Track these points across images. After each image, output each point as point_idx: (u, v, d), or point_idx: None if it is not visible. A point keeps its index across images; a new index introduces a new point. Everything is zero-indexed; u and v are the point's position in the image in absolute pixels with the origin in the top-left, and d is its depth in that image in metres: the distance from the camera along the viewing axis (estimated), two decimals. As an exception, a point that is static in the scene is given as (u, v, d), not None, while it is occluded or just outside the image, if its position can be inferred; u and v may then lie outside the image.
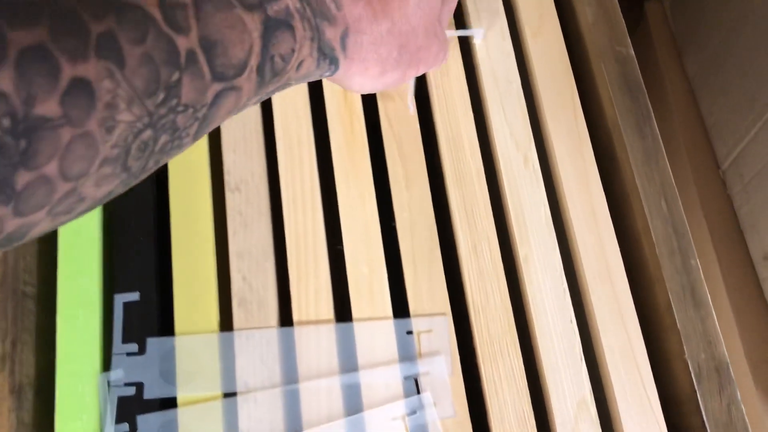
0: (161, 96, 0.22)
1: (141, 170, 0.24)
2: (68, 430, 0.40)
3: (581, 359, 0.41)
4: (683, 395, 0.41)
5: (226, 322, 0.43)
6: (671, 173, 0.44)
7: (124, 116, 0.21)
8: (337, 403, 0.40)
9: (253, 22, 0.26)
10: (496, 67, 0.47)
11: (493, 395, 0.40)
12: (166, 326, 0.43)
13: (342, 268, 0.44)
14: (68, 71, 0.19)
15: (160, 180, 0.46)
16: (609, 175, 0.46)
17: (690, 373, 0.40)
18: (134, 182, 0.25)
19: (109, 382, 0.41)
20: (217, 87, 0.25)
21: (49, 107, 0.18)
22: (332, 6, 0.31)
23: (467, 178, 0.45)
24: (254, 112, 0.47)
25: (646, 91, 0.46)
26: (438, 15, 0.38)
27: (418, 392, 0.40)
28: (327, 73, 0.33)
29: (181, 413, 0.40)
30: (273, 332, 0.42)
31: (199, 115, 0.25)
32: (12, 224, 0.20)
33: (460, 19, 0.49)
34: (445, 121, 0.46)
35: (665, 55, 0.87)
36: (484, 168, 0.45)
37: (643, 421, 0.40)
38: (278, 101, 0.47)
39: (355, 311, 0.42)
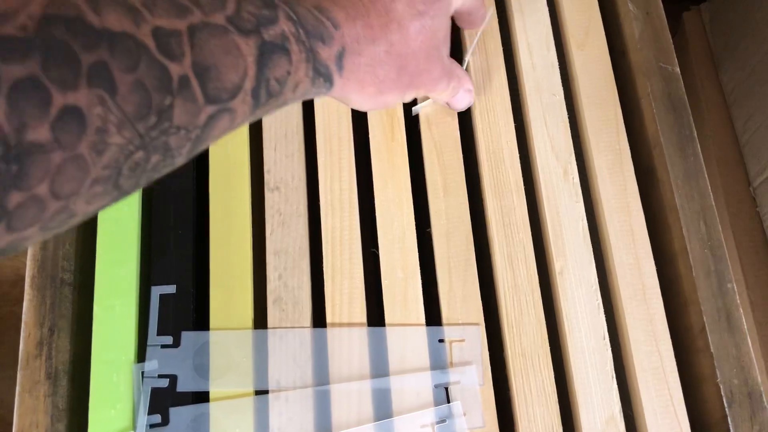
0: (153, 120, 0.23)
1: (133, 187, 0.25)
2: (101, 418, 0.41)
3: (612, 377, 0.41)
4: (712, 419, 0.41)
5: (260, 320, 0.43)
6: (712, 195, 0.44)
7: (115, 139, 0.22)
8: (367, 407, 0.41)
9: (248, 47, 0.27)
10: (539, 79, 0.47)
11: (523, 408, 0.40)
12: (200, 320, 0.43)
13: (377, 271, 0.44)
14: (59, 100, 0.19)
15: (200, 175, 0.46)
16: (648, 192, 0.46)
17: (721, 397, 0.40)
18: (127, 197, 0.25)
19: (143, 373, 0.42)
20: (210, 110, 0.25)
21: (40, 134, 0.19)
22: (329, 25, 0.32)
23: (506, 188, 0.45)
24: (296, 113, 0.47)
25: (690, 110, 0.46)
26: (443, 40, 0.38)
27: (448, 401, 0.41)
28: (323, 90, 0.33)
29: (213, 408, 0.41)
30: (306, 332, 0.42)
31: (192, 135, 0.25)
32: (4, 240, 0.20)
33: (505, 29, 0.49)
34: (485, 130, 0.46)
35: (701, 68, 0.87)
36: (523, 179, 0.45)
37: (671, 442, 0.40)
38: (320, 103, 0.47)
39: (388, 316, 0.43)
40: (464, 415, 0.40)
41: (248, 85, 0.27)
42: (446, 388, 0.41)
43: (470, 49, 0.47)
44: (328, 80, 0.32)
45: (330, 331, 0.42)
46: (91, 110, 0.20)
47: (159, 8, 0.23)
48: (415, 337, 0.42)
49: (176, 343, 0.42)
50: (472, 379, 0.41)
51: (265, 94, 0.28)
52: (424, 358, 0.41)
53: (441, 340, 0.42)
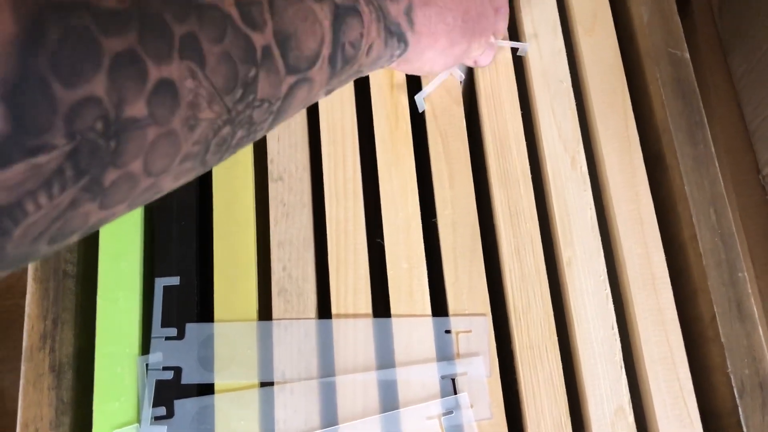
0: (239, 93, 0.23)
1: (216, 163, 0.24)
2: (106, 411, 0.41)
3: (621, 367, 0.40)
4: (723, 409, 0.41)
5: (264, 311, 0.43)
6: (722, 182, 0.43)
7: (206, 114, 0.21)
8: (373, 398, 0.40)
9: (323, 12, 0.26)
10: (546, 66, 0.46)
11: (531, 399, 0.40)
12: (205, 312, 0.43)
13: (382, 262, 0.43)
14: (155, 73, 0.19)
15: (203, 165, 0.46)
16: (657, 180, 0.45)
17: (732, 387, 0.40)
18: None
19: (147, 365, 0.41)
20: (291, 80, 0.25)
21: (137, 109, 0.19)
22: None
23: (512, 177, 0.44)
24: (299, 101, 0.46)
25: (700, 96, 0.45)
26: None
27: (455, 392, 0.40)
28: (397, 52, 0.33)
29: (218, 399, 0.40)
30: (311, 324, 0.42)
31: (274, 108, 0.25)
32: (96, 217, 0.20)
33: (511, 16, 0.48)
34: (492, 118, 0.45)
35: (710, 54, 0.85)
36: (530, 168, 0.44)
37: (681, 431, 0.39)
38: (324, 91, 0.46)
39: (394, 307, 0.42)
40: (471, 406, 0.40)
41: (325, 51, 0.27)
42: (453, 380, 0.40)
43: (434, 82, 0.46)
44: (402, 39, 0.32)
45: (335, 322, 0.41)
46: (183, 83, 0.20)
47: None
48: (421, 328, 0.41)
49: (180, 335, 0.42)
50: (480, 371, 0.40)
51: (342, 60, 0.28)
52: (431, 349, 0.41)
53: (447, 331, 0.41)
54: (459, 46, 0.37)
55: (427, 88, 0.45)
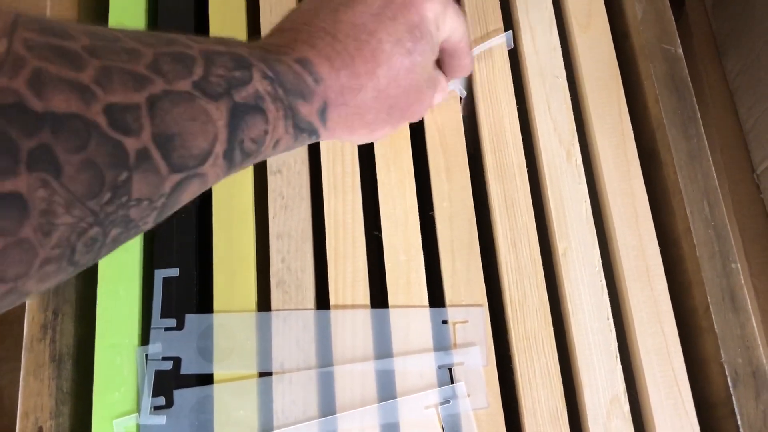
0: (107, 196, 0.22)
1: (92, 260, 0.24)
2: (105, 401, 0.41)
3: (616, 357, 0.41)
4: (717, 398, 0.41)
5: (263, 303, 0.43)
6: (715, 176, 0.44)
7: (64, 219, 0.21)
8: (371, 388, 0.41)
9: (218, 111, 0.26)
10: (542, 61, 0.47)
11: (527, 389, 0.40)
12: (204, 303, 0.43)
13: (380, 254, 0.44)
14: None
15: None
16: (651, 174, 0.46)
17: (726, 376, 0.40)
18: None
19: (146, 356, 0.42)
20: (176, 177, 0.25)
21: None
22: (309, 80, 0.30)
23: (509, 171, 0.45)
24: (298, 96, 0.47)
25: (693, 91, 0.46)
26: (432, 71, 0.37)
27: (452, 382, 0.41)
28: (308, 142, 0.33)
29: (217, 390, 0.41)
30: (310, 315, 0.42)
31: (157, 204, 0.25)
32: None
33: (507, 11, 0.49)
34: (488, 113, 0.46)
35: (704, 53, 0.86)
36: (526, 162, 0.45)
37: (676, 422, 0.40)
38: (322, 85, 0.47)
39: (391, 298, 0.42)
40: (468, 395, 0.40)
41: (219, 148, 0.26)
42: (450, 369, 0.41)
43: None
44: (313, 133, 0.32)
45: (333, 313, 0.42)
46: (32, 194, 0.20)
47: (114, 83, 0.22)
48: (419, 319, 0.42)
49: (180, 326, 0.42)
50: (476, 360, 0.41)
51: (240, 155, 0.28)
52: (428, 340, 0.41)
53: (444, 322, 0.42)
54: (381, 132, 0.35)
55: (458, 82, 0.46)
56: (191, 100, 0.25)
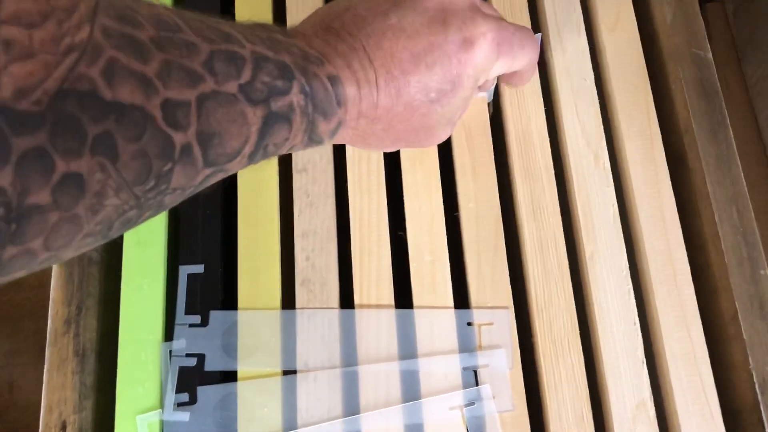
0: (151, 183, 0.24)
1: (118, 234, 0.25)
2: (129, 396, 0.41)
3: (643, 362, 0.41)
4: (744, 405, 0.41)
5: (288, 300, 0.43)
6: (744, 182, 0.44)
7: (112, 201, 0.22)
8: (395, 388, 0.40)
9: (254, 116, 0.27)
10: (569, 63, 0.47)
11: (552, 392, 0.40)
12: (228, 300, 0.43)
13: (404, 254, 0.44)
14: (61, 167, 0.20)
15: (228, 155, 0.46)
16: (678, 178, 0.46)
17: (753, 383, 0.40)
18: None
19: (171, 352, 0.42)
20: (207, 171, 0.26)
21: (40, 197, 0.20)
22: (334, 101, 0.31)
23: (536, 173, 0.44)
24: (324, 94, 0.46)
25: (722, 96, 0.45)
26: (452, 118, 0.36)
27: (477, 384, 0.40)
28: (312, 147, 0.33)
29: (241, 387, 0.41)
30: (334, 313, 0.42)
31: (187, 192, 0.26)
32: None
33: (534, 14, 0.49)
34: (515, 114, 0.46)
35: (725, 59, 0.86)
36: (553, 164, 0.45)
37: (702, 428, 0.39)
38: (349, 84, 0.46)
39: (416, 299, 0.42)
40: (493, 398, 0.40)
41: (247, 149, 0.27)
42: (475, 371, 0.41)
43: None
44: (320, 144, 0.32)
45: (358, 313, 0.42)
46: (91, 176, 0.21)
47: (173, 79, 0.23)
48: (443, 320, 0.42)
49: (204, 323, 0.42)
50: (501, 363, 0.41)
51: (261, 156, 0.29)
52: (453, 341, 0.41)
53: (469, 324, 0.42)
54: (380, 150, 0.37)
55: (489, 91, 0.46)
56: (235, 102, 0.26)
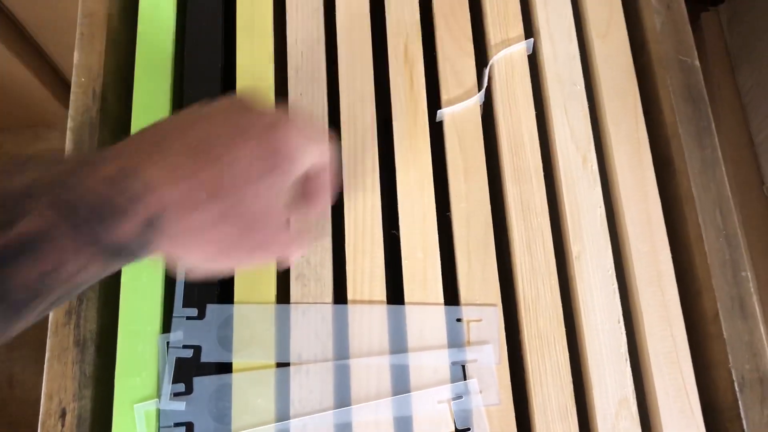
0: None
1: None
2: (127, 386, 0.42)
3: (626, 359, 0.42)
4: (724, 403, 0.42)
5: (283, 295, 0.44)
6: (728, 186, 0.45)
7: None
8: (386, 382, 0.42)
9: None
10: (561, 69, 0.48)
11: (538, 387, 0.41)
12: (225, 294, 0.44)
13: (397, 252, 0.45)
14: None
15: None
16: (664, 181, 0.47)
17: (732, 382, 0.41)
18: None
19: (168, 343, 0.43)
20: None
21: None
22: (130, 193, 0.28)
23: (525, 174, 0.46)
24: (320, 97, 0.48)
25: (710, 102, 0.47)
26: (285, 203, 0.34)
27: (465, 378, 0.42)
28: (137, 261, 0.30)
29: (236, 378, 0.42)
30: (328, 308, 0.43)
31: None
32: None
33: (527, 20, 0.50)
34: (507, 117, 0.47)
35: (718, 67, 0.87)
36: (543, 166, 0.46)
37: (683, 424, 0.41)
38: (345, 87, 0.48)
39: (408, 295, 0.43)
40: (480, 392, 0.41)
41: None
42: (463, 366, 0.42)
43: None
44: (137, 253, 0.29)
45: (351, 308, 0.43)
46: None
47: None
48: (434, 316, 0.43)
49: (201, 316, 0.43)
50: (489, 358, 0.42)
51: (23, 296, 0.26)
52: (442, 337, 0.42)
53: (459, 320, 0.43)
54: (237, 255, 0.32)
55: (451, 108, 0.47)
56: None
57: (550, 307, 0.43)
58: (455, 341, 0.43)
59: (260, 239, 0.33)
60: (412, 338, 0.43)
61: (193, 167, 0.30)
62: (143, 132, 0.31)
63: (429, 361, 0.42)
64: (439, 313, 0.43)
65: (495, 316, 0.43)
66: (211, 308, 0.43)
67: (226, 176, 0.31)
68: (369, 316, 0.43)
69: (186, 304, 0.44)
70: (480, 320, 0.43)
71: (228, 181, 0.31)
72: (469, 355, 0.42)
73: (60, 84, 1.20)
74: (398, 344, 0.43)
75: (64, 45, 1.07)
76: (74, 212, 0.26)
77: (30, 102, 1.17)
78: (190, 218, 0.30)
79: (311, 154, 0.34)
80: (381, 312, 0.43)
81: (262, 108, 0.34)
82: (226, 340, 0.43)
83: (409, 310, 0.43)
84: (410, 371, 0.42)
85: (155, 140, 0.30)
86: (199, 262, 0.32)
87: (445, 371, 0.42)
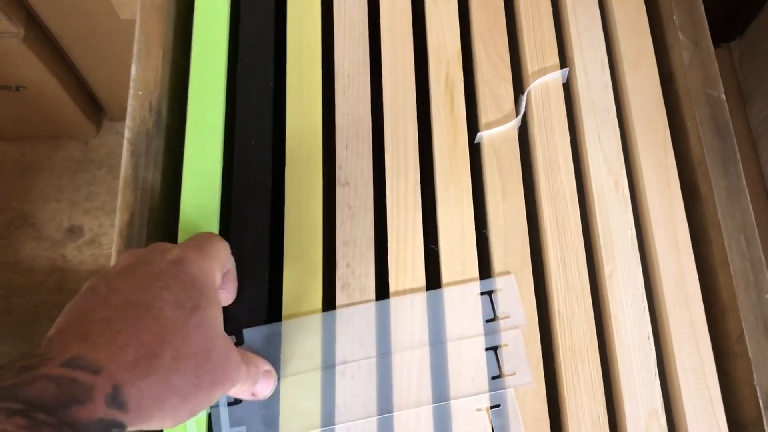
0: None
1: None
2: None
3: (655, 374, 0.44)
4: (748, 419, 0.44)
5: (327, 304, 0.46)
6: (753, 213, 0.47)
7: None
8: (426, 387, 0.44)
9: None
10: (594, 97, 0.51)
11: (572, 398, 0.43)
12: (273, 312, 0.46)
13: (436, 265, 0.47)
14: None
15: (276, 169, 0.49)
16: (691, 206, 0.49)
17: (757, 398, 0.43)
18: None
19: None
20: None
21: None
22: (83, 378, 0.28)
23: (560, 196, 0.48)
24: (365, 114, 0.50)
25: (734, 133, 0.49)
26: (221, 329, 0.36)
27: (499, 367, 0.43)
28: None
29: (282, 383, 0.44)
30: (372, 311, 0.45)
31: None
32: None
33: (562, 52, 0.53)
34: (543, 141, 0.50)
35: (730, 102, 0.90)
36: (577, 188, 0.48)
37: (709, 437, 0.43)
38: (388, 106, 0.50)
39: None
40: (514, 374, 0.43)
41: None
42: (496, 352, 0.44)
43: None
44: (114, 427, 0.29)
45: (393, 307, 0.45)
46: None
47: None
48: (466, 298, 0.45)
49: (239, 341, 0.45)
50: (524, 378, 0.44)
51: None
52: (477, 318, 0.45)
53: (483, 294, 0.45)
54: (194, 401, 0.33)
55: (490, 132, 0.50)
56: None
57: (583, 321, 0.45)
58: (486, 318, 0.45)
59: (212, 369, 0.34)
60: (451, 330, 0.45)
61: (130, 330, 0.31)
62: (69, 319, 0.32)
63: (466, 354, 0.44)
64: (471, 293, 0.45)
65: (513, 284, 0.45)
66: (248, 332, 0.45)
67: (164, 324, 0.32)
68: (411, 311, 0.45)
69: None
70: (501, 290, 0.46)
71: (167, 328, 0.32)
72: (503, 337, 0.44)
73: (85, 97, 1.22)
74: (435, 334, 0.45)
75: (92, 59, 1.10)
76: (42, 405, 0.27)
77: (55, 114, 1.19)
78: (151, 375, 0.31)
79: (220, 269, 0.39)
80: (421, 300, 0.45)
81: (161, 248, 0.37)
82: (271, 419, 0.43)
83: (447, 292, 0.45)
84: (449, 378, 0.44)
85: (82, 321, 0.31)
86: (170, 412, 0.32)
87: (483, 382, 0.44)
